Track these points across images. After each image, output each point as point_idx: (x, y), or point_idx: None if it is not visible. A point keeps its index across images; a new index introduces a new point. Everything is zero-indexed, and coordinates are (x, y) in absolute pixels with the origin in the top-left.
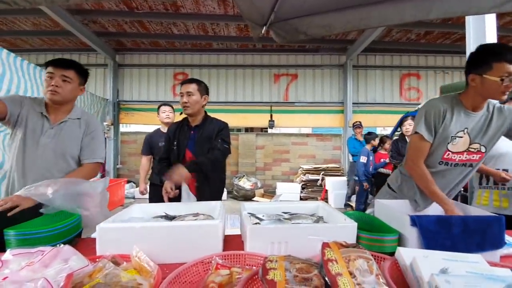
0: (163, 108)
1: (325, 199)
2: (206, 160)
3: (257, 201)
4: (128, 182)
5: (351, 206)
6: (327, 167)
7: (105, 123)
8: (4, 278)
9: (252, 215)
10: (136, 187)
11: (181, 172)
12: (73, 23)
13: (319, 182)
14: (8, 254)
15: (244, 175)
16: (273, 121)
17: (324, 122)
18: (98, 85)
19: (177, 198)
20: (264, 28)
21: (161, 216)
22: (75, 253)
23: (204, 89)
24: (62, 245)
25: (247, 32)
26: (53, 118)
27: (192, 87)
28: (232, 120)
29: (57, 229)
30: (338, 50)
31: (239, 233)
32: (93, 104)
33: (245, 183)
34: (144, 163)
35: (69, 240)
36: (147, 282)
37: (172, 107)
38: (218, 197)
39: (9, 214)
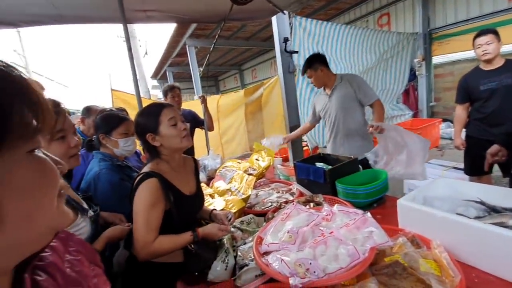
0: (478, 39)
1: None
2: None
3: None
4: (444, 121)
5: None
6: None
7: (415, 60)
8: (331, 232)
9: None
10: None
11: None
12: None
13: None
14: (335, 208)
15: None
16: None
17: None
18: (407, 20)
19: None
20: None
21: (476, 202)
22: (378, 227)
23: None
24: (369, 214)
25: None
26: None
27: None
28: None
29: (370, 189)
30: None
31: None
32: (398, 43)
33: None
34: (459, 114)
35: (379, 198)
36: None
37: (496, 35)
38: None
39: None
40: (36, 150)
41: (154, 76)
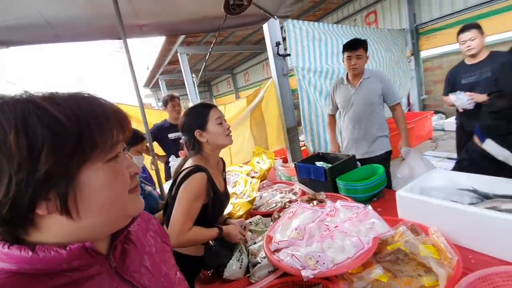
0: (461, 35)
1: None
2: None
3: None
4: (436, 113)
5: None
6: None
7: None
8: (336, 227)
9: None
10: (446, 118)
11: None
12: None
13: None
14: (338, 204)
15: None
16: None
17: None
18: (393, 17)
19: None
20: None
21: (469, 190)
22: (379, 218)
23: None
24: (370, 207)
25: None
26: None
27: None
28: None
29: (368, 184)
30: None
31: None
32: (393, 40)
33: None
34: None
35: (378, 192)
36: (444, 271)
37: (479, 29)
38: None
39: None
40: (115, 158)
41: (147, 84)
